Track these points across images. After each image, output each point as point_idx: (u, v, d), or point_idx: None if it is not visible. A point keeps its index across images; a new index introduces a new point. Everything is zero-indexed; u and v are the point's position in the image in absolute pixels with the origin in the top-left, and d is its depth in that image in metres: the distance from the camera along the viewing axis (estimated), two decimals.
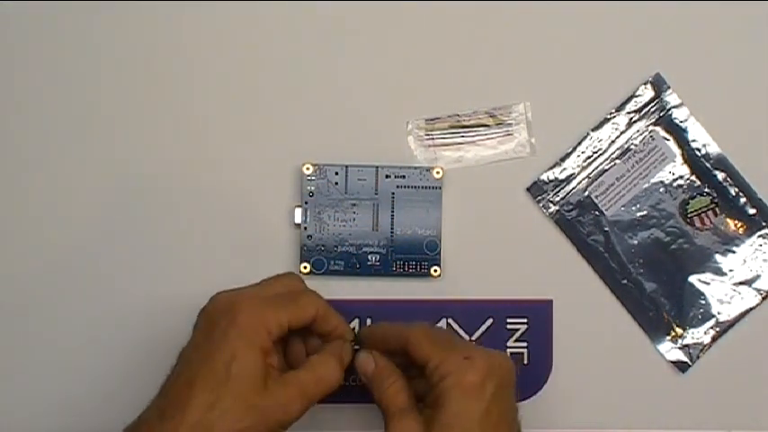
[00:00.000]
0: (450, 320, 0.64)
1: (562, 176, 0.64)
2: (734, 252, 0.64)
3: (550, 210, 0.64)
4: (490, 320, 0.64)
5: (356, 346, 0.59)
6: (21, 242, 0.63)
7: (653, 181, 0.64)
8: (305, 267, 0.63)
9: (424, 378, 0.56)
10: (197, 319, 0.56)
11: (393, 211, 0.64)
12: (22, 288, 0.63)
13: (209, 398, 0.52)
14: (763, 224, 0.64)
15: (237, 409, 0.52)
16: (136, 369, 0.62)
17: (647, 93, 0.64)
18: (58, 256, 0.63)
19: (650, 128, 0.64)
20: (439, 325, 0.64)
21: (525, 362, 0.64)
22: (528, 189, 0.65)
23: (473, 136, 0.65)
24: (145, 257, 0.63)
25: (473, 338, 0.64)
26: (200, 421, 0.51)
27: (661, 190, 0.64)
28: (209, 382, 0.52)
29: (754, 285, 0.64)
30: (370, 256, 0.64)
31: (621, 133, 0.64)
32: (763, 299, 0.64)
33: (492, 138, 0.65)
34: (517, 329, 0.64)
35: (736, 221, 0.64)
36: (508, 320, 0.64)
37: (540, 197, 0.64)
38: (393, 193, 0.64)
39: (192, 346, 0.55)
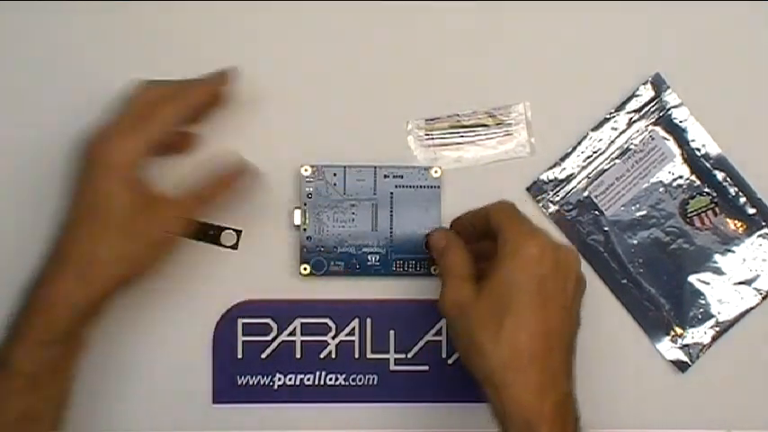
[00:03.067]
0: None
1: (562, 176, 0.64)
2: (734, 252, 0.64)
3: (550, 210, 0.64)
4: None
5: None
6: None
7: (653, 181, 0.64)
8: (305, 269, 0.63)
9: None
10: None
11: (392, 211, 0.64)
12: None
13: (88, 232, 0.56)
14: (763, 224, 0.64)
15: (118, 236, 0.56)
16: None
17: (647, 93, 0.64)
18: None
19: (650, 128, 0.64)
20: (438, 325, 0.64)
21: None
22: (528, 189, 0.64)
23: (473, 136, 0.65)
24: None
25: None
26: (84, 252, 0.56)
27: (661, 190, 0.64)
28: (85, 221, 0.56)
29: (753, 285, 0.64)
30: (369, 257, 0.64)
31: (621, 133, 0.64)
32: (763, 299, 0.64)
33: (492, 138, 0.65)
34: None
35: (736, 221, 0.64)
36: None
37: (539, 197, 0.64)
38: (392, 193, 0.64)
39: (70, 197, 0.58)
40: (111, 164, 0.56)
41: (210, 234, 0.63)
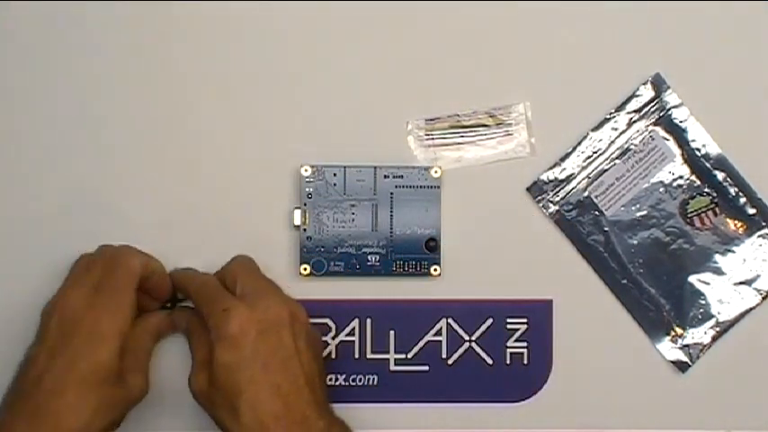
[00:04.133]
0: (449, 320, 0.64)
1: (562, 176, 0.64)
2: (734, 252, 0.64)
3: (550, 210, 0.64)
4: (490, 320, 0.64)
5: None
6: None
7: (653, 181, 0.64)
8: (305, 269, 0.63)
9: None
10: (44, 319, 0.58)
11: (392, 211, 0.64)
12: None
13: (54, 388, 0.55)
14: (763, 224, 0.64)
15: (84, 397, 0.56)
16: None
17: (647, 93, 0.64)
18: (56, 255, 0.63)
19: (650, 128, 0.64)
20: (438, 325, 0.64)
21: (525, 362, 0.64)
22: (528, 189, 0.64)
23: (473, 136, 0.65)
24: None
25: (473, 338, 0.64)
26: (47, 408, 0.55)
27: (661, 190, 0.64)
28: (60, 378, 0.55)
29: (753, 285, 0.64)
30: (369, 257, 0.64)
31: (621, 133, 0.64)
32: (763, 299, 0.64)
33: (492, 138, 0.65)
34: (517, 329, 0.64)
35: (736, 221, 0.64)
36: (508, 320, 0.64)
37: (539, 197, 0.64)
38: (392, 193, 0.64)
39: (44, 348, 0.57)
40: (105, 334, 0.57)
41: None
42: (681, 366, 0.64)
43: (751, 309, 0.64)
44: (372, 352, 0.64)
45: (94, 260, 0.60)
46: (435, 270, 0.64)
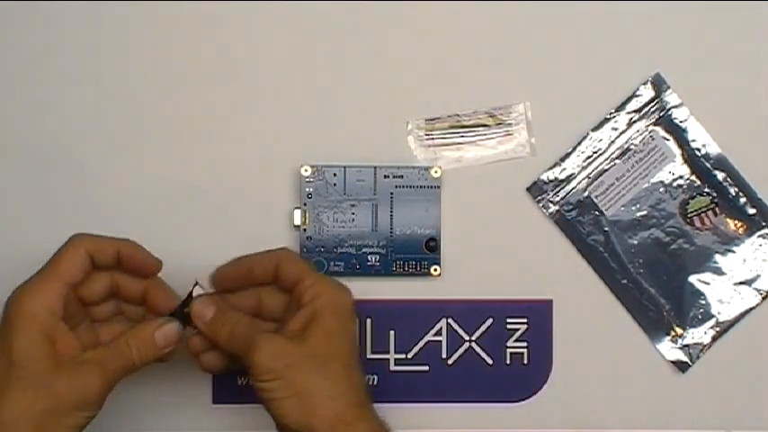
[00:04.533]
0: (450, 320, 0.64)
1: (562, 176, 0.64)
2: (734, 252, 0.64)
3: (550, 210, 0.64)
4: (490, 320, 0.64)
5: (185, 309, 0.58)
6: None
7: (653, 181, 0.64)
8: None
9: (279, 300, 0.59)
10: None
11: (392, 211, 0.64)
12: None
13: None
14: (763, 224, 0.64)
15: (26, 394, 0.52)
16: None
17: (647, 93, 0.64)
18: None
19: (650, 128, 0.64)
20: (438, 325, 0.64)
21: (525, 362, 0.64)
22: (528, 189, 0.64)
23: (473, 136, 0.65)
24: None
25: (473, 338, 0.64)
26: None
27: (661, 190, 0.64)
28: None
29: (754, 285, 0.64)
30: (369, 257, 0.64)
31: (621, 133, 0.64)
32: (763, 299, 0.64)
33: (492, 138, 0.65)
34: (517, 329, 0.64)
35: (736, 221, 0.64)
36: (508, 320, 0.64)
37: (539, 197, 0.64)
38: (392, 193, 0.64)
39: None
40: (27, 314, 0.54)
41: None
42: (681, 366, 0.64)
43: (751, 309, 0.64)
44: (372, 352, 0.64)
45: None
46: (435, 270, 0.64)
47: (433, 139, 0.64)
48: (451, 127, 0.65)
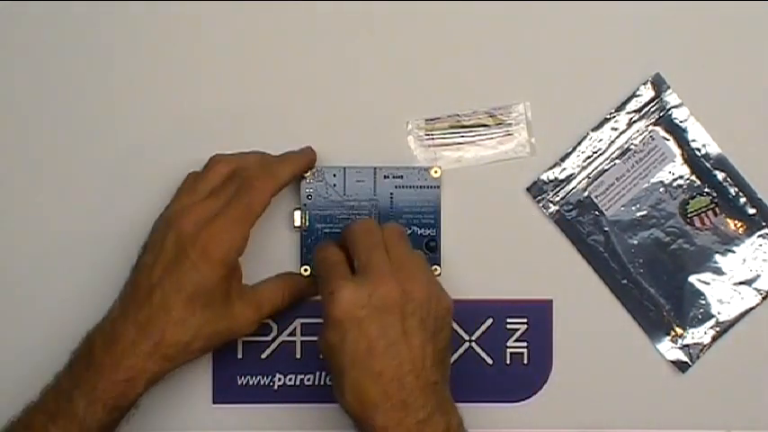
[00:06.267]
0: None
1: (562, 176, 0.64)
2: (734, 252, 0.64)
3: (550, 210, 0.64)
4: (490, 320, 0.64)
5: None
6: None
7: (653, 181, 0.64)
8: (305, 270, 0.63)
9: None
10: (161, 228, 0.59)
11: (392, 212, 0.64)
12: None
13: (179, 316, 0.57)
14: (763, 224, 0.64)
15: (205, 321, 0.58)
16: None
17: (647, 93, 0.64)
18: (56, 251, 0.63)
19: (650, 128, 0.64)
20: None
21: (525, 362, 0.64)
22: (528, 189, 0.64)
23: (473, 136, 0.65)
24: None
25: (473, 338, 0.64)
26: (174, 333, 0.57)
27: (661, 190, 0.64)
28: (176, 303, 0.57)
29: (754, 285, 0.64)
30: None
31: (621, 133, 0.64)
32: (763, 299, 0.64)
33: (492, 138, 0.65)
34: (517, 329, 0.64)
35: (736, 221, 0.64)
36: (508, 320, 0.64)
37: (539, 197, 0.64)
38: (392, 194, 0.64)
39: (160, 261, 0.58)
40: (213, 257, 0.57)
41: None
42: (681, 366, 0.64)
43: (751, 309, 0.64)
44: None
45: (231, 177, 0.60)
46: (435, 270, 0.64)
47: (432, 139, 0.64)
48: (451, 127, 0.65)
